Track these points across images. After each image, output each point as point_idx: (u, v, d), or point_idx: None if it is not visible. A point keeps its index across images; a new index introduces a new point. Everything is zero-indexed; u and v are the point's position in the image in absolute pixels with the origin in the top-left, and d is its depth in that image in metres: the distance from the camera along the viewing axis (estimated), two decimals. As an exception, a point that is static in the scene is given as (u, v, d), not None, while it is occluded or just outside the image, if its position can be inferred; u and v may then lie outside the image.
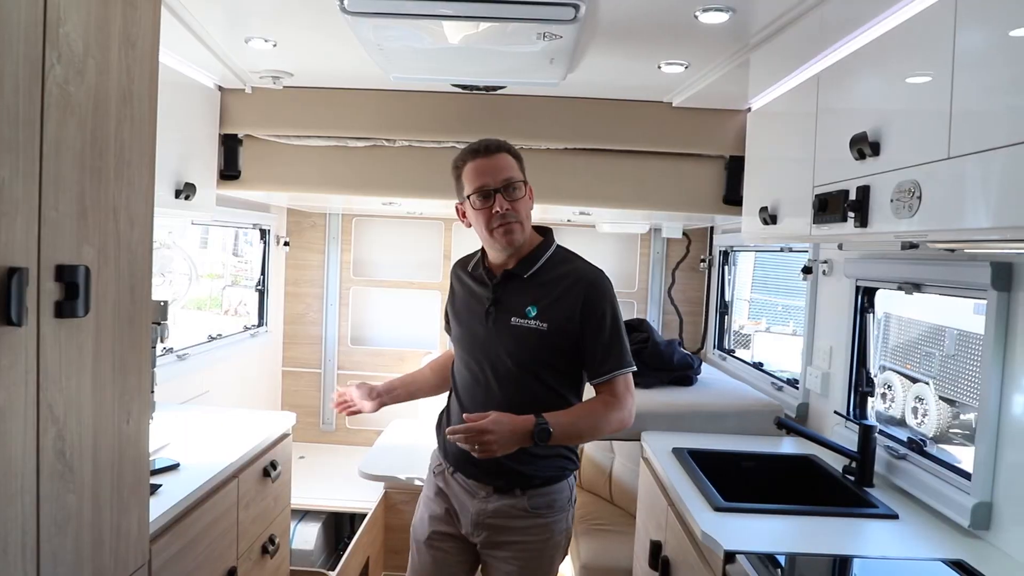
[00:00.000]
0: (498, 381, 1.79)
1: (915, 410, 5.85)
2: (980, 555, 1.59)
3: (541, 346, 1.75)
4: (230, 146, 2.82)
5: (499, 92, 2.67)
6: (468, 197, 1.76)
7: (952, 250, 1.62)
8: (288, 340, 4.21)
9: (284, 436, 2.48)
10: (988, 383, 1.65)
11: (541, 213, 3.94)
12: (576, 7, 1.66)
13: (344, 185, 2.88)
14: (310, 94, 2.74)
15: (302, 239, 4.20)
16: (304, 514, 3.35)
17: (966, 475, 1.76)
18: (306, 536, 3.27)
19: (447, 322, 2.01)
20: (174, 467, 1.90)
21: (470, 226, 1.82)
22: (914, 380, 5.95)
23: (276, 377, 4.16)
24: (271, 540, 2.37)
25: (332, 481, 3.59)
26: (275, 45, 2.20)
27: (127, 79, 1.27)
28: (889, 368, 6.11)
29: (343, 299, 4.24)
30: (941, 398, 5.58)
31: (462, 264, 1.97)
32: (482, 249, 1.89)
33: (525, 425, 1.61)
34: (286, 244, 4.09)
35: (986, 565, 1.53)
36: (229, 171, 2.82)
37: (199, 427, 2.34)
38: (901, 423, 5.85)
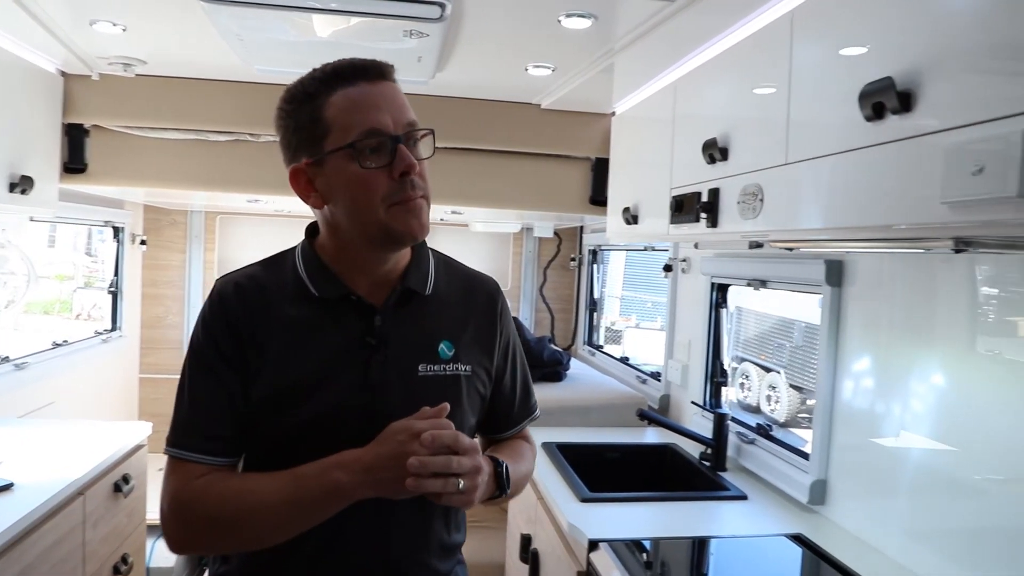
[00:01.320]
0: None
1: (769, 398, 6.29)
2: (817, 528, 1.73)
3: (467, 403, 1.15)
4: (75, 137, 2.60)
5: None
6: (343, 148, 1.02)
7: (791, 249, 1.76)
8: (146, 345, 3.95)
9: (139, 447, 2.33)
10: (823, 371, 1.80)
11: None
12: (442, 6, 1.67)
13: (205, 181, 2.73)
14: (166, 83, 2.59)
15: (161, 237, 3.95)
16: (164, 529, 3.16)
17: (805, 456, 1.91)
18: (167, 552, 3.08)
19: (233, 407, 1.07)
20: (6, 487, 1.74)
21: (322, 205, 1.07)
22: (768, 370, 6.39)
23: (132, 385, 3.90)
24: (124, 560, 2.23)
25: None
26: (124, 29, 2.06)
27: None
28: (747, 359, 6.53)
29: (207, 301, 4.03)
30: (791, 386, 6.03)
31: (253, 288, 1.10)
32: (310, 257, 1.13)
33: (488, 469, 1.06)
34: (143, 243, 3.84)
35: (821, 537, 1.68)
36: (74, 164, 2.61)
37: (39, 442, 2.16)
38: (757, 410, 6.27)
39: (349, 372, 1.08)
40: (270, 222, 4.11)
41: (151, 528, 2.73)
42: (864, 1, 1.21)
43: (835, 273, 1.78)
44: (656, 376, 3.02)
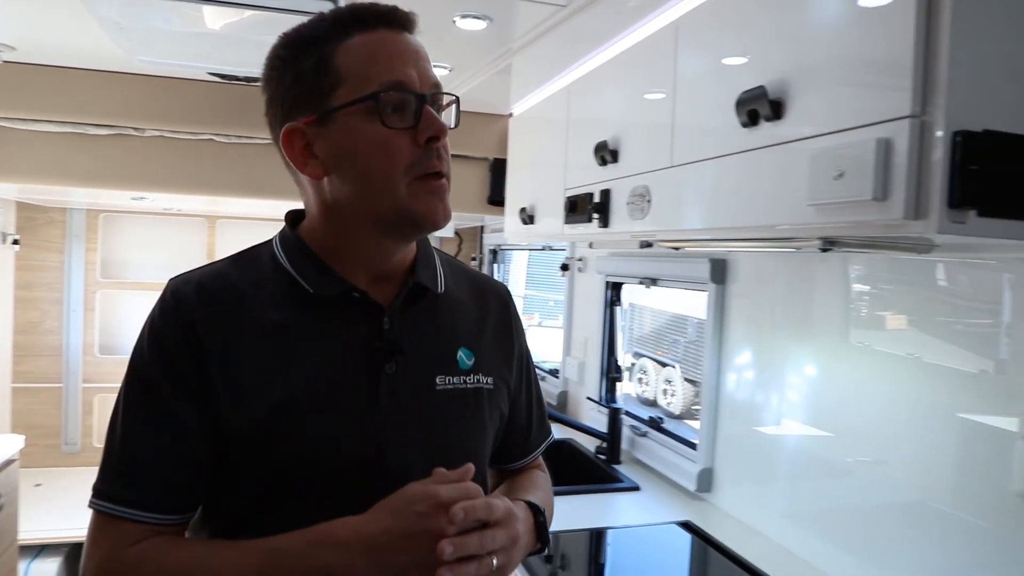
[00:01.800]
0: None
1: (665, 391, 6.53)
2: (704, 514, 1.82)
3: (488, 425, 0.97)
4: (-67, 128, 2.41)
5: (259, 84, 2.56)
6: (360, 101, 0.82)
7: (677, 248, 1.84)
8: (19, 352, 3.67)
9: (9, 463, 2.18)
10: (709, 365, 1.89)
11: (209, 205, 3.79)
12: (335, 2, 1.64)
13: (84, 177, 2.58)
14: (38, 72, 2.42)
15: (36, 237, 3.70)
16: (40, 549, 2.96)
17: (694, 446, 2.00)
18: (43, 574, 2.90)
19: (185, 447, 0.82)
20: None
21: (322, 176, 0.86)
22: (664, 365, 6.64)
23: (4, 395, 3.63)
24: (-6, 581, 2.08)
25: (77, 509, 3.18)
26: (-12, 13, 1.92)
27: None
28: (644, 355, 6.76)
29: (88, 304, 3.79)
30: (686, 379, 6.28)
31: (222, 288, 0.87)
32: (296, 246, 0.91)
33: (527, 521, 0.89)
34: (15, 242, 3.58)
35: (708, 522, 1.76)
36: (-68, 157, 2.42)
37: None
38: (655, 404, 6.50)
39: (352, 391, 0.85)
40: (159, 220, 3.93)
41: (24, 549, 2.56)
42: (740, 14, 1.28)
43: (719, 271, 1.87)
44: (555, 373, 3.08)
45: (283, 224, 0.96)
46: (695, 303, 5.90)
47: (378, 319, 0.88)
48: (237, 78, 2.48)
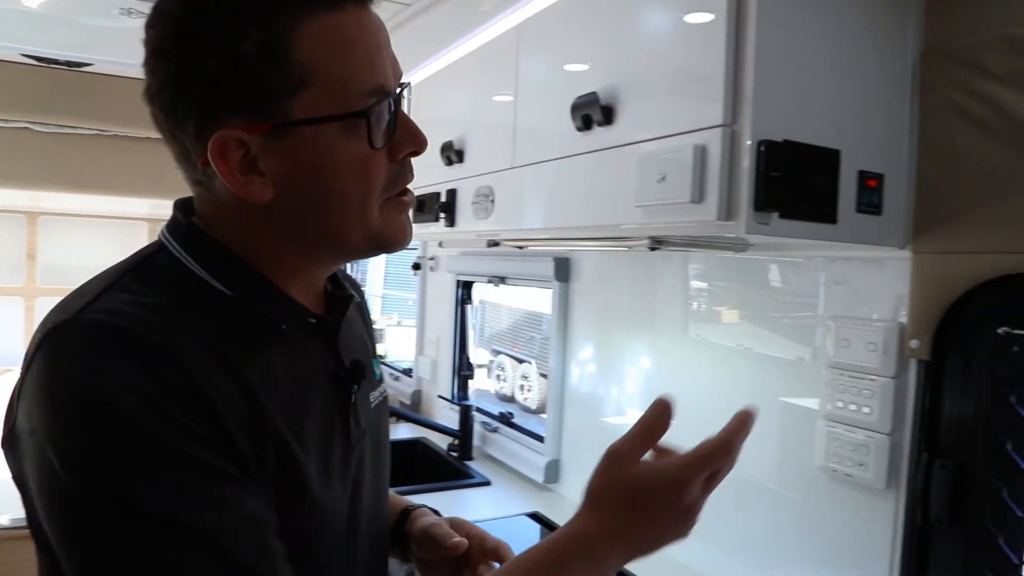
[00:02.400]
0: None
1: (522, 387, 6.67)
2: (551, 504, 1.88)
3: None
4: None
5: (85, 69, 2.36)
6: (345, 118, 0.65)
7: (522, 247, 1.89)
8: None
9: None
10: (555, 359, 1.96)
11: (151, 209, 3.58)
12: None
13: None
14: None
15: None
16: None
17: (542, 439, 2.06)
18: None
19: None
20: None
21: (267, 198, 0.65)
22: (521, 361, 6.78)
23: None
24: None
25: None
26: None
27: None
28: (502, 352, 6.87)
29: None
30: (541, 375, 6.45)
31: (192, 329, 0.61)
32: (226, 260, 0.68)
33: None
34: None
35: (555, 512, 1.82)
36: None
37: None
38: (512, 399, 6.63)
39: (335, 430, 0.73)
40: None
41: None
42: (577, 23, 1.33)
43: (563, 270, 1.94)
44: (408, 373, 3.06)
45: (167, 222, 0.71)
46: (549, 300, 6.10)
47: (332, 342, 0.75)
48: (57, 62, 2.28)
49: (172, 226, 0.70)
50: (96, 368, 0.55)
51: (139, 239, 3.78)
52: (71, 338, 0.57)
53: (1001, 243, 1.02)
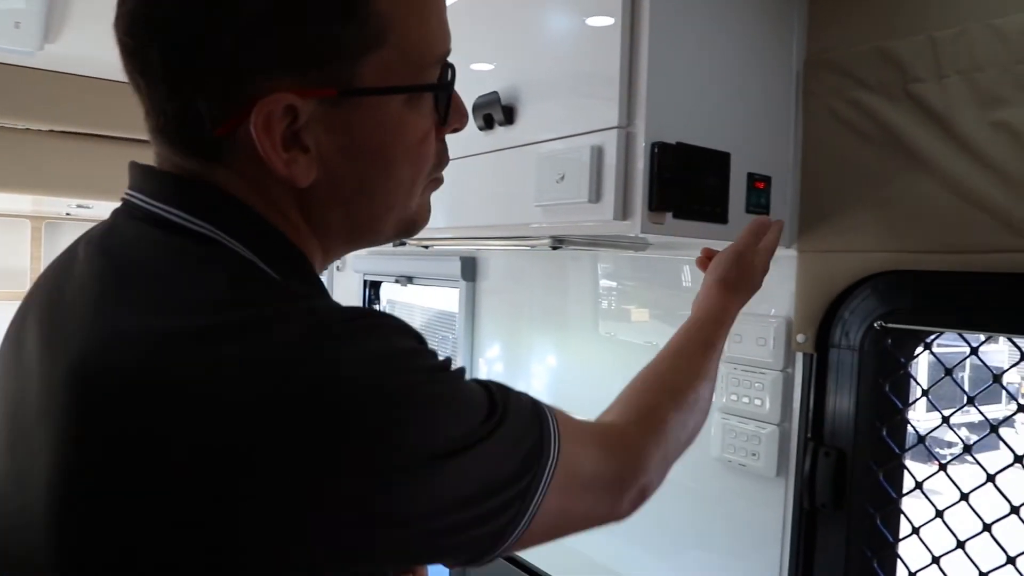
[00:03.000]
0: None
1: (435, 388, 6.65)
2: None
3: None
4: None
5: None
6: (424, 88, 0.58)
7: (427, 247, 1.88)
8: None
9: None
10: (463, 358, 1.96)
11: (34, 205, 3.38)
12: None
13: None
14: None
15: None
16: None
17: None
18: None
19: None
20: None
21: (308, 181, 0.54)
22: (434, 361, 6.76)
23: None
24: None
25: None
26: None
27: None
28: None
29: None
30: (455, 375, 6.45)
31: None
32: (290, 254, 0.57)
33: None
34: None
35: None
36: None
37: None
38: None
39: None
40: None
41: None
42: (482, 22, 1.32)
43: (469, 269, 1.94)
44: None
45: (195, 211, 0.54)
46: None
47: None
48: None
49: (247, 233, 0.54)
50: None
51: (22, 237, 3.55)
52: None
53: (875, 242, 1.09)
